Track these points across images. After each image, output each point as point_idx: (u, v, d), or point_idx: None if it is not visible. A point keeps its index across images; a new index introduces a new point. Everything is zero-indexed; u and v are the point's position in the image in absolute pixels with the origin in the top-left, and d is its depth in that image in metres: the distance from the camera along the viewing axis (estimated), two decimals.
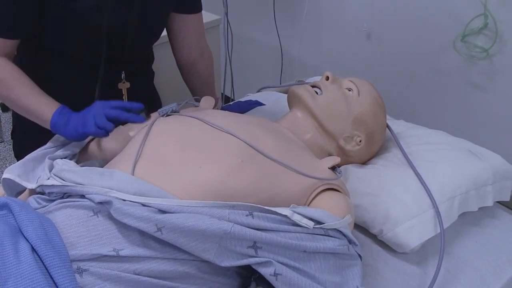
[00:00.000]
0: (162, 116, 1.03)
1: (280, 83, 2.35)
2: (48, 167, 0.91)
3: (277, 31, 2.24)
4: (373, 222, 1.02)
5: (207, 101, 1.15)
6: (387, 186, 1.05)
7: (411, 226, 0.98)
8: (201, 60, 1.31)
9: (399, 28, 1.75)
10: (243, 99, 1.58)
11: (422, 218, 0.99)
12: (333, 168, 0.99)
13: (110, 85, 1.15)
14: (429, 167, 1.08)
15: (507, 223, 1.13)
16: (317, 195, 0.92)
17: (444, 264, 0.96)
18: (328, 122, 1.06)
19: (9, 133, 1.71)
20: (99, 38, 1.06)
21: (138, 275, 0.73)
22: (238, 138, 0.91)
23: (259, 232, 0.76)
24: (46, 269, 0.68)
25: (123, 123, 1.03)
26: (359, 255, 0.86)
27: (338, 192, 0.95)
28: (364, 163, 1.17)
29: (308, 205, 0.91)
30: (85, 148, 1.07)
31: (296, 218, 0.80)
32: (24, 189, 0.97)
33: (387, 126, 1.19)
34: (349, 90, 1.10)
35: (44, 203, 0.85)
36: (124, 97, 1.19)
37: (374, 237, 1.05)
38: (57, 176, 0.86)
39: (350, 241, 0.85)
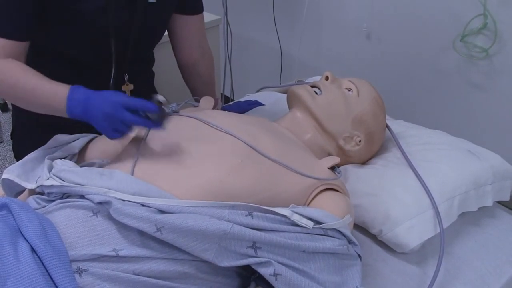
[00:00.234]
0: None
1: (280, 83, 2.35)
2: (48, 167, 0.91)
3: (276, 31, 2.24)
4: (372, 222, 1.02)
5: (206, 101, 1.15)
6: (386, 186, 1.05)
7: (411, 226, 0.98)
8: (202, 61, 1.31)
9: (398, 28, 1.75)
10: (242, 99, 1.58)
11: (422, 218, 0.99)
12: (332, 168, 0.99)
13: (114, 87, 1.14)
14: (428, 167, 1.08)
15: (507, 223, 1.13)
16: (316, 195, 0.92)
17: (444, 264, 0.96)
18: (328, 122, 1.06)
19: (9, 133, 1.72)
20: (103, 39, 1.06)
21: (138, 275, 0.73)
22: (238, 139, 0.91)
23: (258, 232, 0.76)
24: (46, 269, 0.68)
25: None
26: (359, 255, 0.86)
27: (338, 192, 0.95)
28: (364, 163, 1.18)
29: (308, 205, 0.91)
30: (84, 148, 1.07)
31: (296, 218, 0.80)
32: (24, 189, 0.97)
33: (387, 126, 1.19)
34: (349, 90, 1.10)
35: (44, 203, 0.85)
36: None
37: (373, 237, 1.05)
38: (57, 176, 0.86)
39: (349, 241, 0.85)
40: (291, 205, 0.83)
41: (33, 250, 0.70)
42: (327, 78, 1.10)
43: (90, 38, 1.06)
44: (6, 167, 0.97)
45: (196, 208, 0.77)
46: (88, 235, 0.75)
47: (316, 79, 1.54)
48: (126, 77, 1.18)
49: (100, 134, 1.06)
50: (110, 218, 0.77)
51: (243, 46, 2.50)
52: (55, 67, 1.09)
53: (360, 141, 1.09)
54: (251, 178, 0.85)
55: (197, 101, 1.18)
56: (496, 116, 1.56)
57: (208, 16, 1.28)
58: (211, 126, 0.95)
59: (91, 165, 1.00)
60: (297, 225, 0.80)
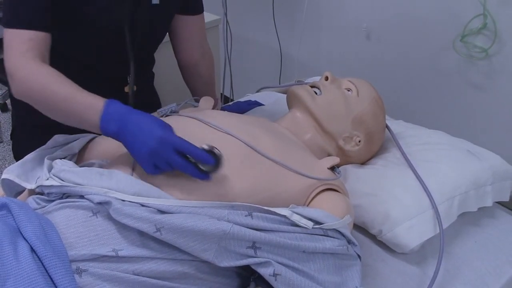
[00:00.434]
0: (161, 116, 1.03)
1: (280, 83, 2.36)
2: (47, 168, 0.91)
3: (276, 31, 2.24)
4: (372, 222, 1.02)
5: (206, 101, 1.15)
6: (386, 186, 1.05)
7: (411, 226, 0.98)
8: (203, 61, 1.32)
9: (398, 28, 1.75)
10: (242, 99, 1.58)
11: (422, 218, 0.99)
12: (332, 168, 0.99)
13: (116, 88, 1.14)
14: (428, 167, 1.08)
15: (507, 223, 1.13)
16: (316, 195, 0.92)
17: (444, 264, 0.96)
18: (328, 122, 1.06)
19: (9, 133, 1.71)
20: (106, 41, 1.06)
21: (138, 275, 0.73)
22: (238, 139, 0.91)
23: (258, 233, 0.76)
24: (45, 269, 0.68)
25: None
26: (359, 255, 0.86)
27: (338, 192, 0.95)
28: (364, 163, 1.18)
29: (308, 205, 0.91)
30: (84, 149, 1.06)
31: (295, 218, 0.80)
32: (24, 189, 0.97)
33: (387, 126, 1.19)
34: (349, 90, 1.10)
35: (43, 204, 0.85)
36: (130, 100, 1.19)
37: (373, 237, 1.05)
38: (56, 177, 0.86)
39: (349, 241, 0.84)
40: (290, 205, 0.83)
41: (32, 250, 0.69)
42: (326, 78, 1.10)
43: (93, 39, 1.06)
44: (6, 167, 0.97)
45: (195, 208, 0.78)
46: (87, 235, 0.75)
47: (316, 79, 1.54)
48: (129, 79, 1.18)
49: (100, 134, 1.07)
50: (110, 218, 0.77)
51: (243, 46, 2.50)
52: (60, 70, 1.09)
53: (359, 141, 1.09)
54: (250, 178, 0.85)
55: (197, 101, 1.18)
56: (496, 116, 1.56)
57: (208, 16, 1.28)
58: (211, 126, 0.95)
59: (90, 165, 1.00)
60: (296, 225, 0.80)
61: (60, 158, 0.96)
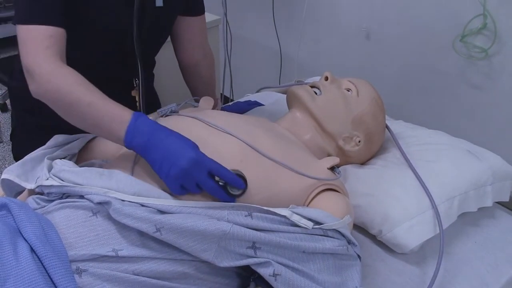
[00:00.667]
0: (161, 116, 1.03)
1: (279, 84, 2.36)
2: (47, 167, 0.91)
3: (276, 32, 2.24)
4: (372, 222, 1.02)
5: (206, 101, 1.15)
6: (386, 187, 1.05)
7: (410, 227, 0.98)
8: (204, 62, 1.32)
9: (398, 28, 1.75)
10: (242, 100, 1.58)
11: (422, 218, 0.99)
12: (332, 169, 0.99)
13: (122, 91, 1.14)
14: (428, 167, 1.08)
15: (506, 223, 1.13)
16: (316, 195, 0.92)
17: (443, 264, 0.96)
18: (327, 123, 1.06)
19: (8, 133, 1.71)
20: (109, 44, 1.06)
21: (137, 275, 0.73)
22: (238, 138, 0.91)
23: (258, 233, 0.76)
24: (45, 269, 0.68)
25: None
26: (358, 256, 0.86)
27: (337, 193, 0.95)
28: (364, 163, 1.18)
29: (308, 206, 0.91)
30: (84, 149, 1.06)
31: (295, 218, 0.80)
32: (23, 189, 0.97)
33: (386, 126, 1.19)
34: (348, 91, 1.10)
35: (43, 204, 0.85)
36: (137, 104, 1.19)
37: (373, 238, 1.05)
38: (56, 176, 0.86)
39: (349, 242, 0.84)
40: (290, 206, 0.83)
41: (32, 250, 0.70)
42: (326, 78, 1.10)
43: (98, 42, 1.06)
44: (6, 167, 0.97)
45: (195, 208, 0.77)
46: (87, 235, 0.75)
47: (316, 79, 1.54)
48: (135, 82, 1.18)
49: None
50: (110, 218, 0.77)
51: (243, 46, 2.50)
52: None
53: (359, 142, 1.09)
54: (250, 178, 0.85)
55: (197, 101, 1.18)
56: (496, 116, 1.56)
57: (208, 16, 1.28)
58: (211, 126, 0.95)
59: (90, 165, 1.01)
60: (296, 225, 0.80)
61: (60, 158, 0.96)
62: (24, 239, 0.71)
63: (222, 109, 1.41)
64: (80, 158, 1.06)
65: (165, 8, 1.10)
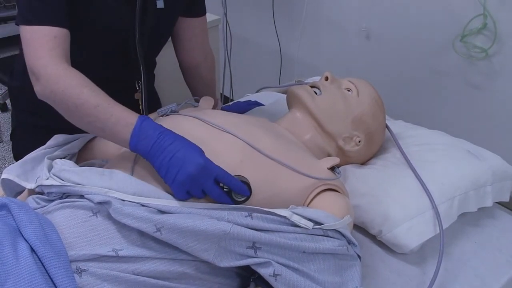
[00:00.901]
0: (161, 116, 1.03)
1: (279, 84, 2.36)
2: (47, 167, 0.91)
3: (276, 31, 2.24)
4: (372, 222, 1.02)
5: (206, 101, 1.15)
6: (386, 187, 1.05)
7: (410, 227, 0.98)
8: (204, 63, 1.32)
9: (398, 28, 1.75)
10: (242, 100, 1.58)
11: (422, 218, 0.99)
12: (332, 169, 0.99)
13: (126, 95, 1.14)
14: (428, 167, 1.08)
15: (506, 223, 1.13)
16: (316, 195, 0.92)
17: (444, 264, 0.96)
18: (328, 123, 1.06)
19: (8, 133, 1.71)
20: (111, 45, 1.05)
21: (137, 275, 0.73)
22: (238, 138, 0.91)
23: (258, 233, 0.75)
24: (45, 269, 0.68)
25: None
26: (359, 256, 0.86)
27: (337, 193, 0.95)
28: (364, 163, 1.17)
29: (308, 206, 0.91)
30: (84, 148, 1.07)
31: (295, 219, 0.80)
32: (24, 189, 0.97)
33: (386, 126, 1.19)
34: (349, 91, 1.10)
35: (43, 203, 0.85)
36: (140, 107, 1.19)
37: (373, 238, 1.05)
38: (56, 176, 0.86)
39: (349, 242, 0.84)
40: (290, 206, 0.83)
41: (32, 250, 0.69)
42: (326, 78, 1.10)
43: (99, 44, 1.06)
44: (6, 167, 0.97)
45: (195, 209, 0.77)
46: (87, 235, 0.75)
47: (316, 79, 1.54)
48: (137, 85, 1.17)
49: None
50: (110, 218, 0.77)
51: (243, 46, 2.50)
52: None
53: (359, 142, 1.09)
54: (250, 178, 0.85)
55: (197, 101, 1.18)
56: (496, 116, 1.56)
57: (208, 16, 1.28)
58: (211, 125, 0.95)
59: (90, 165, 1.00)
60: (296, 225, 0.80)
61: (60, 158, 0.96)
62: (24, 239, 0.71)
63: (222, 109, 1.41)
64: (80, 158, 1.06)
65: (166, 10, 1.09)
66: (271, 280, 0.75)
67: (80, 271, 0.71)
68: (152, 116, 1.03)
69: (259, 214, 0.78)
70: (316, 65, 2.17)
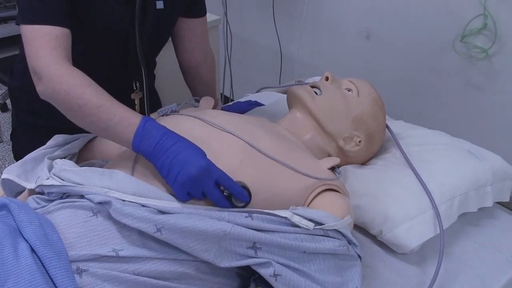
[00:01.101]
0: (161, 116, 1.03)
1: (280, 84, 2.36)
2: (48, 167, 0.91)
3: (276, 31, 2.24)
4: (372, 222, 1.02)
5: (206, 101, 1.15)
6: (386, 187, 1.05)
7: (411, 227, 0.98)
8: (205, 64, 1.32)
9: (398, 28, 1.75)
10: (242, 100, 1.58)
11: (422, 218, 0.99)
12: (332, 169, 0.99)
13: (123, 95, 1.14)
14: (428, 167, 1.08)
15: (507, 223, 1.13)
16: (316, 195, 0.92)
17: (444, 264, 0.96)
18: (328, 123, 1.06)
19: (8, 133, 1.71)
20: (111, 46, 1.05)
21: (138, 275, 0.73)
22: (238, 138, 0.91)
23: (258, 233, 0.75)
24: (46, 269, 0.68)
25: None
26: (359, 256, 0.86)
27: (338, 193, 0.95)
28: (364, 163, 1.18)
29: (308, 206, 0.91)
30: (84, 148, 1.07)
31: (296, 219, 0.80)
32: (24, 189, 0.97)
33: (387, 126, 1.19)
34: (349, 91, 1.10)
35: (44, 203, 0.85)
36: (136, 107, 1.19)
37: (373, 238, 1.05)
38: (57, 176, 0.86)
39: (349, 242, 0.84)
40: (291, 207, 0.83)
41: (33, 250, 0.69)
42: (327, 79, 1.10)
43: (98, 45, 1.06)
44: (6, 167, 0.96)
45: (196, 210, 0.77)
46: (88, 235, 0.75)
47: (316, 79, 1.54)
48: (136, 85, 1.17)
49: None
50: (110, 218, 0.77)
51: (243, 46, 2.50)
52: None
53: (360, 142, 1.09)
54: (251, 178, 0.85)
55: (197, 101, 1.18)
56: (496, 117, 1.56)
57: (208, 16, 1.28)
58: (211, 125, 0.95)
59: (91, 165, 1.00)
60: (297, 226, 0.80)
61: (60, 158, 0.96)
62: (25, 239, 0.71)
63: (222, 109, 1.41)
64: (80, 158, 1.06)
65: (166, 10, 1.09)
66: (271, 280, 0.75)
67: (80, 271, 0.71)
68: (152, 116, 1.03)
69: (259, 215, 0.78)
70: (316, 65, 2.16)
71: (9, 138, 1.68)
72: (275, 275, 0.75)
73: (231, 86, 2.44)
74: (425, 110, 1.76)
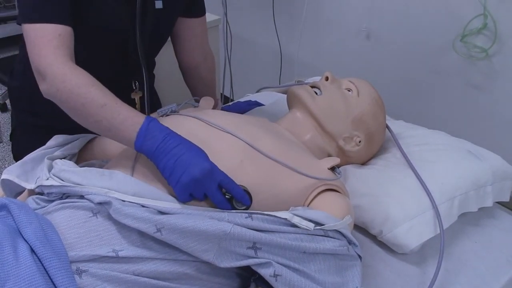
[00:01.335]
0: (161, 116, 1.02)
1: (279, 84, 2.36)
2: (47, 168, 0.91)
3: (276, 31, 2.24)
4: (372, 222, 1.02)
5: (206, 101, 1.15)
6: (386, 187, 1.05)
7: (411, 227, 0.98)
8: (204, 64, 1.31)
9: (398, 28, 1.75)
10: (242, 100, 1.58)
11: (422, 218, 0.99)
12: (332, 169, 0.99)
13: (123, 95, 1.14)
14: (428, 167, 1.08)
15: (507, 223, 1.13)
16: (316, 195, 0.92)
17: (444, 264, 0.96)
18: (328, 123, 1.06)
19: (8, 133, 1.71)
20: (111, 46, 1.05)
21: (138, 276, 0.73)
22: (238, 138, 0.91)
23: (258, 233, 0.75)
24: (46, 270, 0.67)
25: None
26: (359, 256, 0.85)
27: (338, 193, 0.95)
28: (364, 163, 1.17)
29: (308, 206, 0.90)
30: (84, 149, 1.06)
31: (296, 220, 0.80)
32: (23, 189, 0.97)
33: (387, 126, 1.19)
34: (349, 91, 1.10)
35: (43, 204, 0.85)
36: (136, 107, 1.19)
37: (373, 238, 1.05)
38: (56, 176, 0.85)
39: (350, 242, 0.84)
40: (291, 208, 0.83)
41: (32, 251, 0.69)
42: (327, 79, 1.10)
43: (98, 45, 1.06)
44: (6, 168, 0.96)
45: (196, 210, 0.77)
46: (88, 235, 0.75)
47: (316, 79, 1.54)
48: (136, 84, 1.17)
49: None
50: (110, 218, 0.77)
51: (243, 46, 2.50)
52: None
53: (360, 142, 1.09)
54: (251, 178, 0.85)
55: (197, 101, 1.18)
56: (496, 117, 1.56)
57: (208, 16, 1.28)
58: (211, 126, 0.94)
59: (90, 165, 1.00)
60: (297, 226, 0.80)
61: (60, 158, 0.96)
62: (24, 239, 0.71)
63: (222, 109, 1.41)
64: (80, 158, 1.06)
65: (165, 10, 1.09)
66: (271, 281, 0.75)
67: (80, 272, 0.70)
68: (152, 116, 1.03)
69: (259, 215, 0.78)
70: (316, 65, 2.16)
71: (8, 138, 1.68)
72: (275, 275, 0.75)
73: (231, 86, 2.44)
74: (425, 110, 1.76)
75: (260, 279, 0.77)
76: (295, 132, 1.06)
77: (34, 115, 1.19)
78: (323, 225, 0.81)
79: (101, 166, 0.97)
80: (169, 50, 1.30)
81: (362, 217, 1.03)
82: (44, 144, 1.02)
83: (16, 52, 1.16)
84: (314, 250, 0.78)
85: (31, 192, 0.93)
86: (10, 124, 1.33)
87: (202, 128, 0.94)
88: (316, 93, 1.08)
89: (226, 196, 0.80)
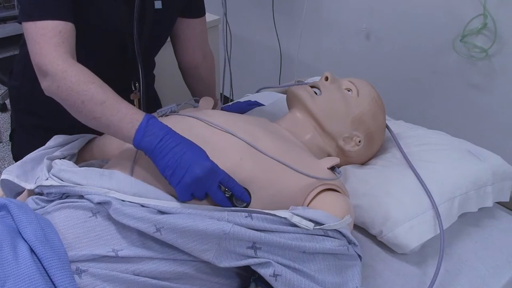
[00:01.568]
0: (161, 116, 1.02)
1: (279, 84, 2.35)
2: (47, 168, 0.91)
3: (276, 31, 2.24)
4: (372, 222, 1.02)
5: (206, 101, 1.15)
6: (386, 187, 1.05)
7: (411, 227, 0.98)
8: (204, 64, 1.31)
9: (398, 28, 1.75)
10: (242, 100, 1.58)
11: (422, 218, 0.99)
12: (332, 169, 0.99)
13: (122, 96, 1.14)
14: (428, 167, 1.08)
15: (507, 223, 1.13)
16: (316, 195, 0.91)
17: (444, 264, 0.96)
18: (327, 123, 1.06)
19: (8, 133, 1.71)
20: (110, 46, 1.05)
21: (137, 275, 0.73)
22: (238, 137, 0.91)
23: (258, 233, 0.75)
24: (45, 270, 0.68)
25: None
26: (359, 256, 0.85)
27: (338, 193, 0.95)
28: (364, 163, 1.17)
29: (308, 205, 0.90)
30: (84, 149, 1.06)
31: (296, 220, 0.80)
32: (23, 190, 0.97)
33: (387, 126, 1.19)
34: (349, 91, 1.10)
35: (43, 204, 0.85)
36: (142, 106, 1.19)
37: (373, 238, 1.05)
38: (56, 177, 0.85)
39: (349, 242, 0.84)
40: (290, 207, 0.83)
41: (32, 251, 0.69)
42: (326, 79, 1.10)
43: (97, 45, 1.06)
44: (5, 168, 0.96)
45: (195, 210, 0.77)
46: (87, 235, 0.75)
47: (316, 79, 1.54)
48: (135, 85, 1.17)
49: (100, 134, 1.06)
50: (110, 218, 0.77)
51: (243, 46, 2.50)
52: None
53: (359, 142, 1.09)
54: (250, 176, 0.85)
55: (197, 101, 1.17)
56: (496, 117, 1.56)
57: (207, 16, 1.28)
58: (211, 125, 0.94)
59: (90, 165, 1.00)
60: (297, 226, 0.80)
61: (60, 158, 0.96)
62: (24, 239, 0.71)
63: (222, 109, 1.41)
64: (80, 158, 1.06)
65: (165, 10, 1.09)
66: (271, 280, 0.75)
67: (80, 272, 0.71)
68: None
69: (259, 215, 0.78)
70: (316, 65, 2.16)
71: (7, 138, 1.68)
72: (275, 275, 0.74)
73: (231, 86, 2.44)
74: (425, 110, 1.76)
75: (260, 279, 0.77)
76: (295, 132, 1.06)
77: (33, 115, 1.19)
78: (323, 224, 0.81)
79: (100, 166, 0.97)
80: (169, 50, 1.29)
81: (362, 217, 1.03)
82: (43, 144, 1.02)
83: (16, 52, 1.16)
84: (314, 249, 0.78)
85: (31, 192, 0.93)
86: (10, 124, 1.33)
87: (201, 128, 0.94)
88: (316, 93, 1.08)
89: (226, 194, 0.80)
